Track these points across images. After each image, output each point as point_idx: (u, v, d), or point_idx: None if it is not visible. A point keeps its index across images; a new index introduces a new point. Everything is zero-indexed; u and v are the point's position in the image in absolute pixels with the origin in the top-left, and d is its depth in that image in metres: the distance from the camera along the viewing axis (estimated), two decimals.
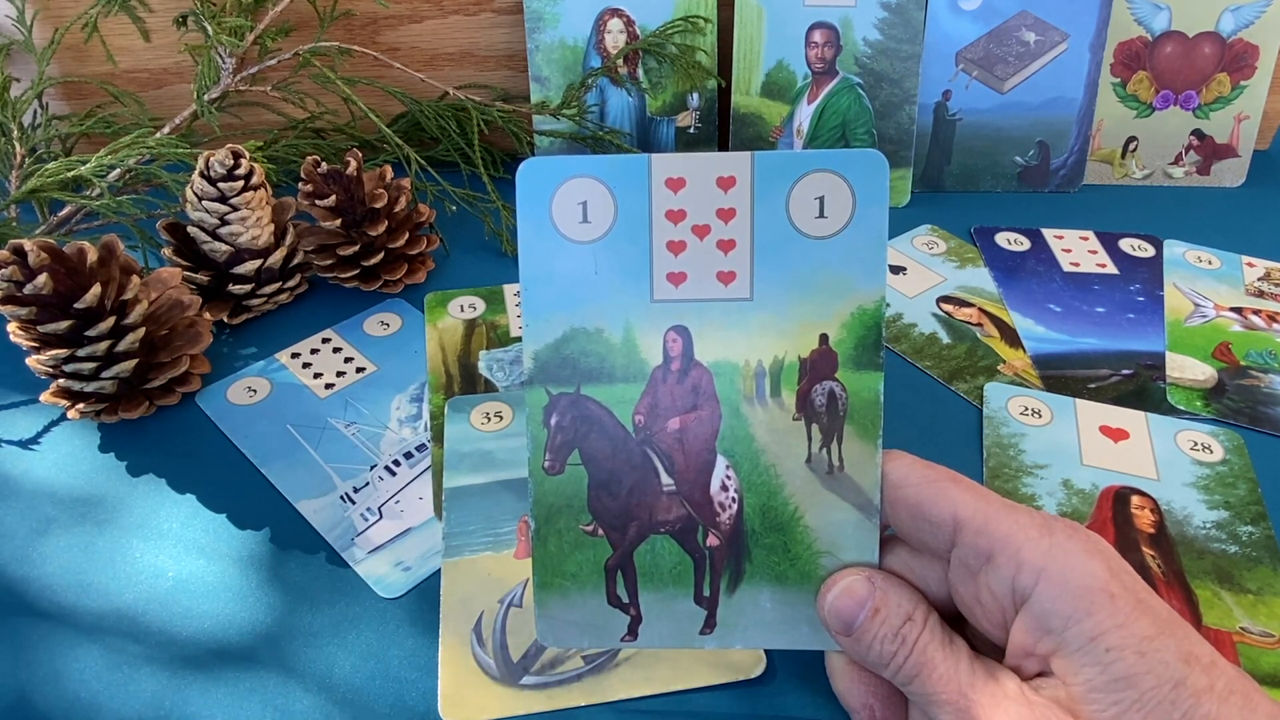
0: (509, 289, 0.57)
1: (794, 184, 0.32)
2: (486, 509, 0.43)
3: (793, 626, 0.34)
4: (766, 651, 0.37)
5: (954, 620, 0.32)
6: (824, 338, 0.33)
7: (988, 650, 0.31)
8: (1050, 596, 0.28)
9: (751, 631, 0.34)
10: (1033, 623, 0.29)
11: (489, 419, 0.47)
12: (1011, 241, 0.61)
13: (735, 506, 0.33)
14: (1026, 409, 0.48)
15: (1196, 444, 0.46)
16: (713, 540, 0.34)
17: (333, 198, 0.52)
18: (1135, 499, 0.43)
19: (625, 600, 0.34)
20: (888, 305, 0.36)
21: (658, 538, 0.34)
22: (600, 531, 0.34)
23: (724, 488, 0.33)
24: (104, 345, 0.45)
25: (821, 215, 0.32)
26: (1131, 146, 0.68)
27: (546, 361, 0.33)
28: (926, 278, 0.58)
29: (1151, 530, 0.42)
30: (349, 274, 0.54)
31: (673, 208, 0.32)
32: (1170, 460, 0.45)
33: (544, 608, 0.34)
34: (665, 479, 0.34)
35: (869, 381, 0.33)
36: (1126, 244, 0.61)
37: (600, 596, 0.34)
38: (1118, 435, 0.47)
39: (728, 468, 0.33)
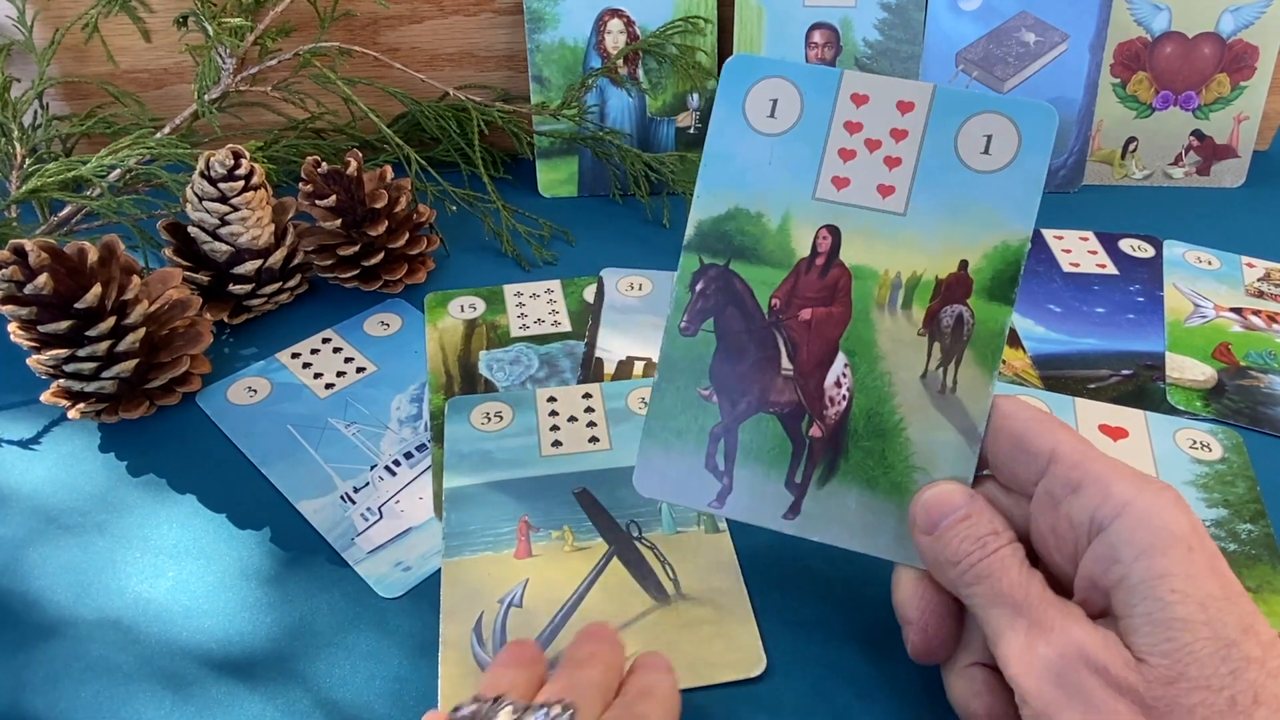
0: (509, 289, 0.57)
1: (967, 119, 0.34)
2: (486, 509, 0.43)
3: (873, 533, 0.34)
4: (766, 650, 0.37)
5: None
6: (964, 264, 0.34)
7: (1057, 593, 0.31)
8: (1128, 528, 0.28)
9: (833, 528, 0.35)
10: (1105, 551, 0.29)
11: (489, 419, 0.47)
12: None
13: (845, 404, 0.35)
14: None
15: (1195, 442, 0.46)
16: (815, 431, 0.35)
17: (333, 198, 0.52)
18: None
19: (721, 468, 0.36)
20: (1031, 244, 0.38)
21: (765, 416, 0.36)
22: (715, 398, 0.36)
23: (838, 384, 0.35)
24: (104, 345, 0.45)
25: (986, 152, 0.34)
26: (1131, 147, 0.68)
27: (707, 232, 0.36)
28: None
29: None
30: (349, 274, 0.54)
31: (852, 119, 0.35)
32: (1169, 459, 0.45)
33: (645, 456, 0.37)
34: (786, 363, 0.36)
35: (998, 314, 0.34)
36: (1126, 244, 0.61)
37: (699, 458, 0.36)
38: (1117, 434, 0.47)
39: (845, 365, 0.35)
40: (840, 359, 0.35)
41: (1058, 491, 0.31)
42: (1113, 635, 0.28)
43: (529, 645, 0.34)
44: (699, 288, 0.36)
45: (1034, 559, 0.32)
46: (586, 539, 0.42)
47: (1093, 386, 0.50)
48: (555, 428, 0.47)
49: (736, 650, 0.37)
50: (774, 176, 0.36)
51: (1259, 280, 0.58)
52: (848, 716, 0.36)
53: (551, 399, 0.48)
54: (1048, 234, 0.62)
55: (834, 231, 0.35)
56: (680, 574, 0.40)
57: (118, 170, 0.56)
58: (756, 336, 0.36)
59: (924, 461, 0.34)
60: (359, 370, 0.51)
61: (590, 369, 0.51)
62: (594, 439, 0.46)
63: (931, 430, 0.34)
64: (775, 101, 0.36)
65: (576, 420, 0.47)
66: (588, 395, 0.48)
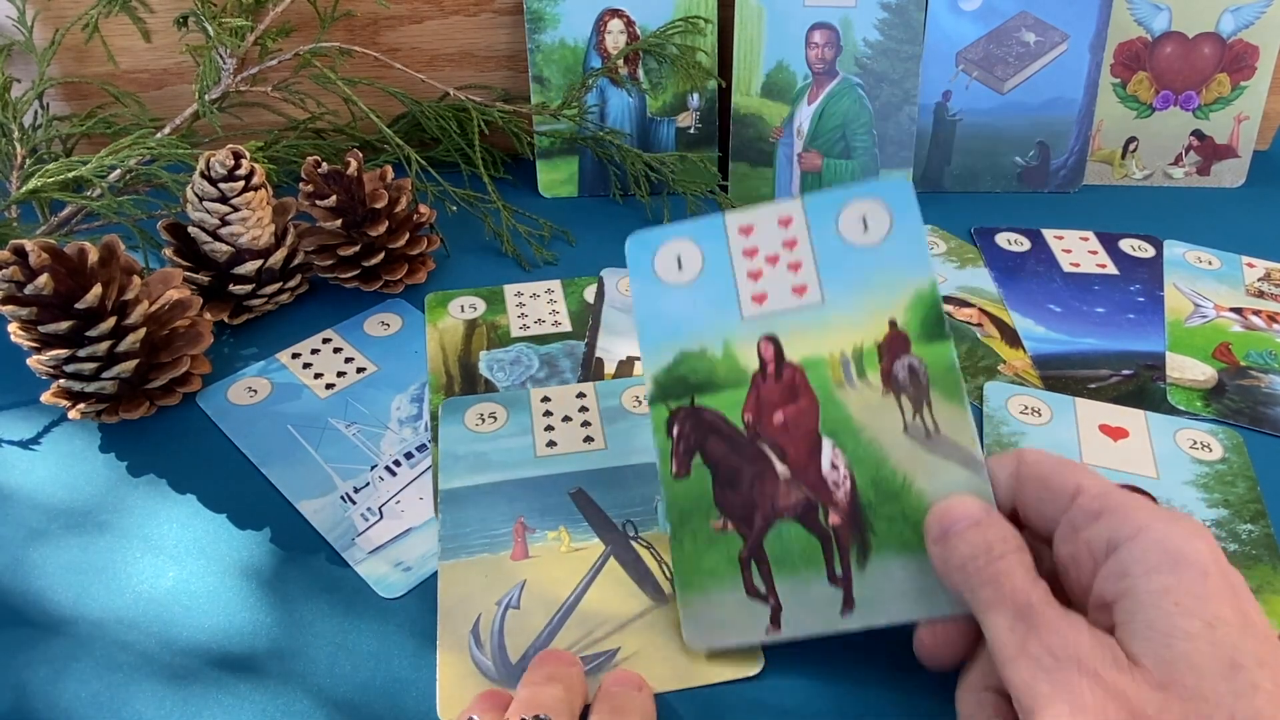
0: (509, 289, 0.57)
1: (839, 212, 0.39)
2: (482, 511, 0.43)
3: (931, 594, 0.34)
4: (765, 651, 0.37)
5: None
6: (892, 323, 0.38)
7: None
8: (1141, 548, 0.29)
9: (891, 604, 0.35)
10: (1116, 568, 0.29)
11: (484, 420, 0.47)
12: (1011, 242, 0.61)
13: (848, 483, 0.36)
14: (1026, 408, 0.48)
15: (1196, 442, 0.46)
16: (834, 519, 0.36)
17: (333, 198, 0.52)
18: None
19: (763, 590, 0.36)
20: (943, 280, 0.44)
21: (783, 523, 0.37)
22: (729, 526, 0.37)
23: (834, 466, 0.37)
24: (105, 345, 0.45)
25: (866, 230, 0.38)
26: (1131, 147, 0.68)
27: (663, 382, 0.39)
28: None
29: None
30: (349, 274, 0.54)
31: (747, 247, 0.39)
32: (1170, 458, 0.45)
33: (689, 608, 0.37)
34: (780, 467, 0.37)
35: (941, 350, 0.37)
36: (1126, 244, 0.61)
37: (739, 589, 0.36)
38: (1117, 434, 0.47)
39: (834, 448, 0.37)
40: (827, 444, 0.37)
41: (1079, 521, 0.31)
42: (1110, 640, 0.28)
43: (565, 655, 0.34)
44: (676, 432, 0.39)
45: (1058, 596, 0.32)
46: (583, 539, 0.41)
47: (1093, 386, 0.50)
48: (550, 428, 0.47)
49: (739, 649, 0.37)
50: (702, 316, 0.39)
51: (1259, 280, 0.58)
52: (845, 714, 0.35)
53: (546, 399, 0.48)
54: (1048, 234, 0.62)
55: (773, 340, 0.38)
56: None
57: (118, 170, 0.56)
58: (745, 454, 0.38)
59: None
60: (359, 370, 0.51)
61: (590, 369, 0.51)
62: (589, 439, 0.46)
63: (936, 474, 0.35)
64: (679, 257, 0.40)
65: (571, 420, 0.47)
66: (582, 395, 0.48)
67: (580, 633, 0.38)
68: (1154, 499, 0.43)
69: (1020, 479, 0.34)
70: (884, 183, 0.39)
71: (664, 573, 0.40)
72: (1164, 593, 0.27)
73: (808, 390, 0.38)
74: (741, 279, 0.39)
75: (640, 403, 0.48)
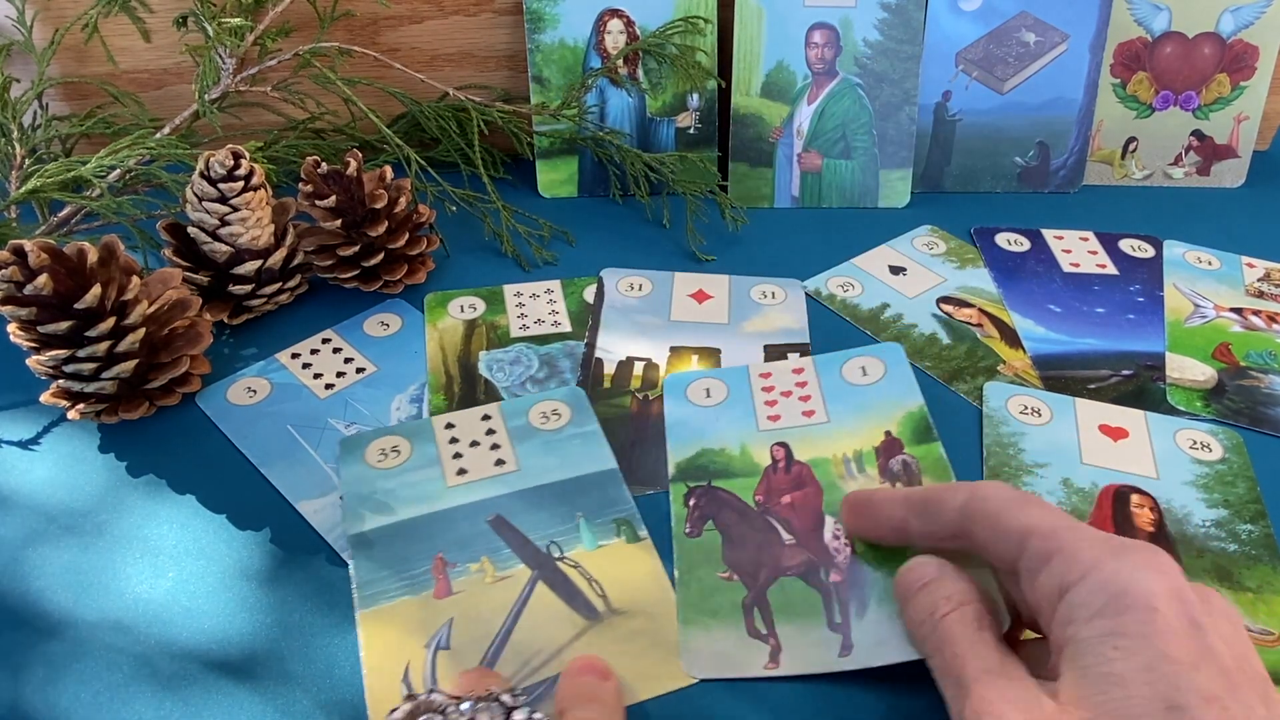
0: (509, 289, 0.57)
1: (841, 366, 0.48)
2: (397, 551, 0.41)
3: None
4: None
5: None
6: (888, 433, 0.45)
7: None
8: (1088, 590, 0.28)
9: (889, 647, 0.36)
10: (1064, 613, 0.28)
11: (386, 455, 0.45)
12: (1011, 242, 0.61)
13: (848, 550, 0.40)
14: (1026, 408, 0.48)
15: (1196, 443, 0.46)
16: (835, 576, 0.39)
17: (333, 198, 0.52)
18: (1135, 498, 0.43)
19: (764, 632, 0.38)
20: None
21: (786, 579, 0.39)
22: (735, 577, 0.39)
23: (835, 537, 0.40)
24: (104, 346, 0.45)
25: (865, 375, 0.48)
26: (1131, 147, 0.68)
27: (686, 469, 0.44)
28: (926, 278, 0.58)
29: (1151, 529, 0.42)
30: (349, 274, 0.54)
31: (765, 385, 0.48)
32: (1170, 459, 0.45)
33: (688, 641, 0.37)
34: (785, 536, 0.41)
35: (931, 449, 0.44)
36: (1126, 244, 0.61)
37: (740, 630, 0.38)
38: (1117, 434, 0.47)
39: (835, 524, 0.41)
40: (829, 521, 0.41)
41: (1032, 565, 0.30)
42: (1036, 688, 0.27)
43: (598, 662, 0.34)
44: (692, 503, 0.43)
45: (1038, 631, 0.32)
46: (507, 567, 0.40)
47: (1093, 387, 0.50)
48: (458, 455, 0.45)
49: (675, 659, 0.37)
50: (724, 427, 0.46)
51: (1259, 280, 0.58)
52: (849, 715, 0.35)
53: (450, 425, 0.46)
54: (1048, 234, 0.62)
55: (784, 445, 0.45)
56: (608, 589, 0.39)
57: (117, 170, 0.55)
58: (754, 525, 0.41)
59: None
60: (359, 371, 0.51)
61: (590, 369, 0.51)
62: (500, 461, 0.45)
63: None
64: (708, 389, 0.48)
65: (479, 444, 0.45)
66: (487, 417, 0.47)
67: (517, 664, 0.36)
68: (1154, 500, 0.43)
69: (970, 515, 0.33)
70: (880, 345, 0.50)
71: (595, 590, 0.39)
72: (1104, 637, 0.27)
73: (814, 481, 0.43)
74: (759, 405, 0.47)
75: (548, 419, 0.47)
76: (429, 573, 0.40)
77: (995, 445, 0.46)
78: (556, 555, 0.41)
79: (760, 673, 0.36)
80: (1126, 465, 0.45)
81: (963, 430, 0.47)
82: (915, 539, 0.36)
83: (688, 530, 0.41)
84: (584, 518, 0.42)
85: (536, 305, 0.56)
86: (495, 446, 0.45)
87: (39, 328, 0.44)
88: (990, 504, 0.33)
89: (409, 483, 0.44)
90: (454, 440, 0.46)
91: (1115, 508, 0.43)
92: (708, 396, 0.48)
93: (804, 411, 0.46)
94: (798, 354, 0.50)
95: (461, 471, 0.44)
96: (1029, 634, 0.34)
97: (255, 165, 0.51)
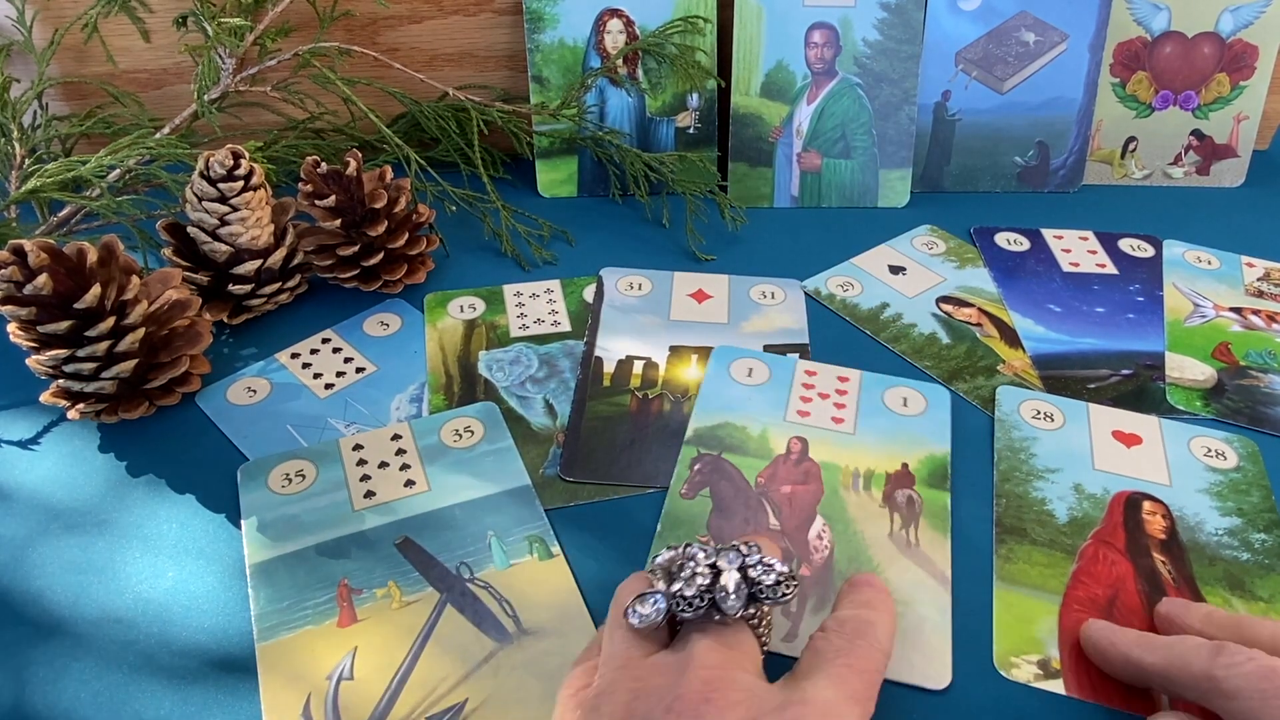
0: (508, 289, 0.57)
1: (886, 389, 0.49)
2: (299, 579, 0.39)
3: None
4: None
5: None
6: (905, 465, 0.45)
7: None
8: None
9: None
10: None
11: (290, 480, 0.44)
12: (1011, 242, 0.61)
13: (828, 552, 0.41)
14: (1039, 413, 0.48)
15: (1210, 450, 0.46)
16: (805, 570, 0.40)
17: (332, 198, 0.52)
18: (1147, 504, 0.43)
19: None
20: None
21: None
22: (713, 544, 0.39)
23: (819, 537, 0.41)
24: (104, 345, 0.45)
25: (905, 405, 0.48)
26: (1131, 147, 0.68)
27: (703, 434, 0.46)
28: (926, 278, 0.58)
29: (1163, 536, 0.42)
30: (349, 274, 0.54)
31: (806, 382, 0.49)
32: (1183, 466, 0.45)
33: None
34: (773, 520, 0.42)
35: (939, 496, 0.44)
36: (1126, 244, 0.61)
37: None
38: (1130, 440, 0.46)
39: (824, 525, 0.42)
40: (819, 520, 0.42)
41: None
42: None
43: None
44: (696, 467, 0.44)
45: None
46: (415, 591, 0.39)
47: (1093, 386, 0.50)
48: (366, 477, 0.44)
49: None
50: (754, 408, 0.48)
51: (1259, 280, 0.58)
52: None
53: (358, 446, 0.45)
54: (1047, 234, 0.62)
55: (802, 440, 0.46)
56: (519, 609, 0.38)
57: (117, 170, 0.56)
58: (747, 501, 0.43)
59: (904, 596, 0.39)
60: (358, 370, 0.51)
61: (590, 369, 0.51)
62: (410, 482, 0.43)
63: (905, 573, 0.40)
64: (751, 370, 0.50)
65: (388, 465, 0.44)
66: (397, 436, 0.46)
67: (422, 692, 0.35)
68: (1166, 507, 0.43)
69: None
70: (929, 383, 0.49)
71: (505, 611, 0.38)
72: None
73: (818, 480, 0.44)
74: (794, 398, 0.48)
75: (461, 436, 0.46)
76: (333, 601, 0.39)
77: (1006, 450, 0.46)
78: (467, 576, 0.39)
79: None
80: (1139, 472, 0.45)
81: (963, 431, 0.47)
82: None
83: (683, 491, 0.43)
84: (495, 536, 0.41)
85: (536, 305, 0.56)
86: (405, 467, 0.44)
87: (39, 327, 0.44)
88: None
89: (314, 507, 0.42)
90: (362, 462, 0.44)
91: (1127, 514, 0.42)
92: (749, 375, 0.49)
93: (834, 417, 0.47)
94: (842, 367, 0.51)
95: (369, 494, 0.43)
96: None
97: (255, 165, 0.51)
